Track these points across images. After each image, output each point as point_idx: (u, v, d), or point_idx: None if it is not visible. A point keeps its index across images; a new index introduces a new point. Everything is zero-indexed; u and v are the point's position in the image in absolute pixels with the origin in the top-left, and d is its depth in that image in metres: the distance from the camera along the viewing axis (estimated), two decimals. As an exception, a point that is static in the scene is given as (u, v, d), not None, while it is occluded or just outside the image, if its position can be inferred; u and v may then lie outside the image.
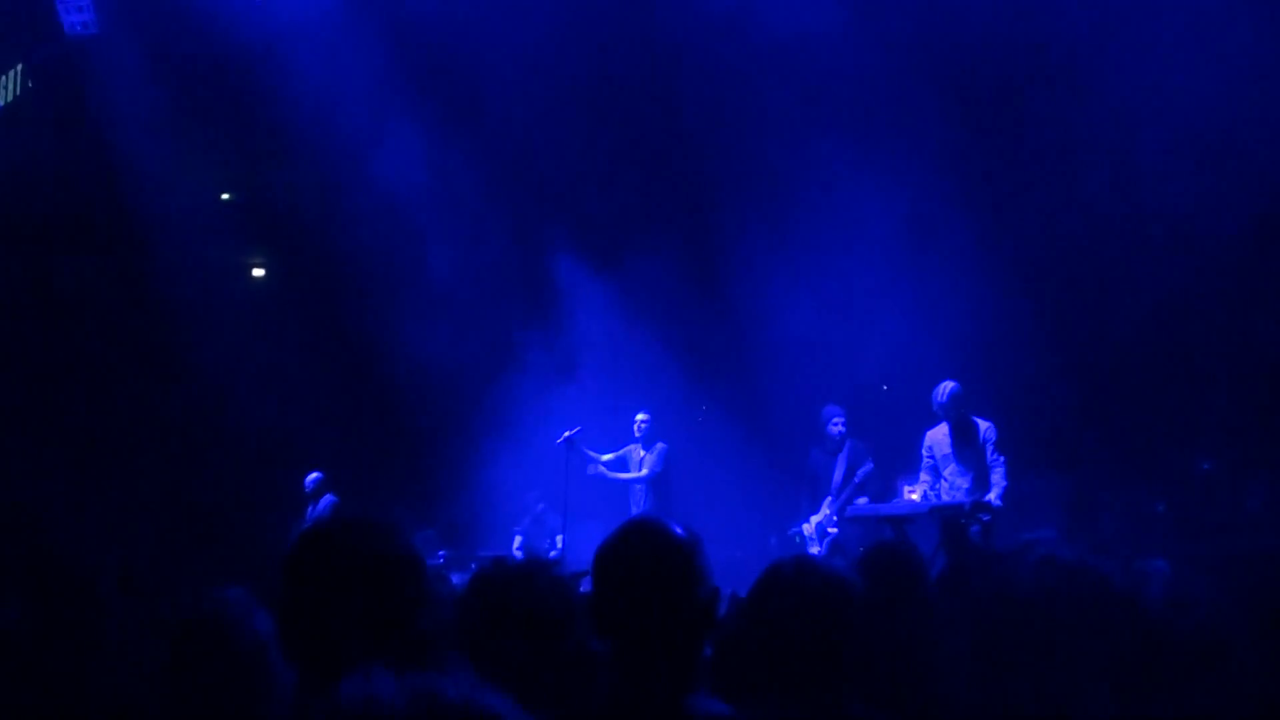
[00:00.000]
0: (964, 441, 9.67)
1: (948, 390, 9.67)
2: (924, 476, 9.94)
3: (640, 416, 11.99)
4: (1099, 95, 11.26)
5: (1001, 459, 9.57)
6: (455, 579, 9.94)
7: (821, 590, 2.90)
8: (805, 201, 12.35)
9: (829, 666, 2.85)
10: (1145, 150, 11.07)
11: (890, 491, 10.72)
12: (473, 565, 11.88)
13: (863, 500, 10.52)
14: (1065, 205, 12.07)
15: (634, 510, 11.48)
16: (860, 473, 10.65)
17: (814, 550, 10.86)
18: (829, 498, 10.88)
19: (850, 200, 12.07)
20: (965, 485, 9.62)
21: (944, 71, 12.18)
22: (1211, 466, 11.65)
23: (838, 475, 10.89)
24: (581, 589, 3.39)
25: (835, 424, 11.04)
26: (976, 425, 9.67)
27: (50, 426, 13.82)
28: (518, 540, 13.01)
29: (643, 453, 11.97)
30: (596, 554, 2.69)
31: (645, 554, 2.60)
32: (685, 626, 2.57)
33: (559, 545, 12.01)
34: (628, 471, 11.90)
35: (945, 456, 9.77)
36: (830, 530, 10.80)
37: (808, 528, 11.02)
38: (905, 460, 10.75)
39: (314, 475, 12.90)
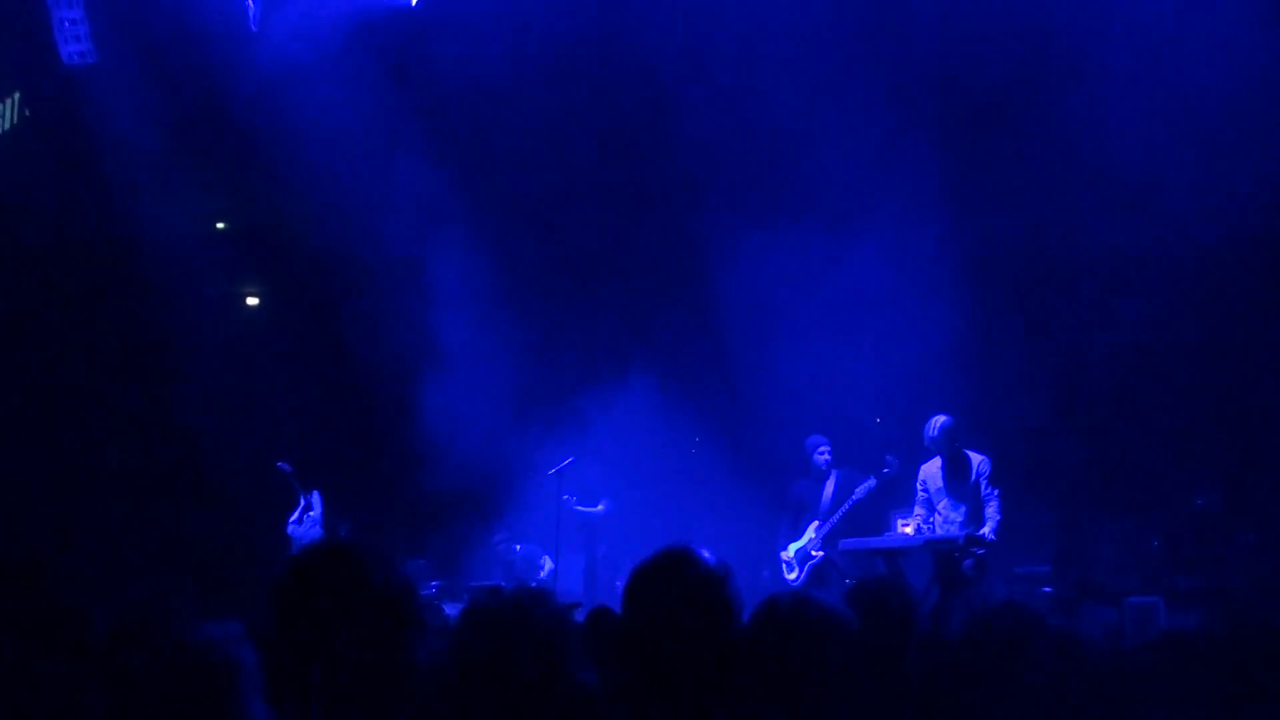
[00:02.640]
0: (957, 475, 9.67)
1: (939, 424, 9.68)
2: (918, 510, 9.93)
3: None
4: (1097, 122, 11.27)
5: (995, 493, 9.55)
6: (448, 609, 9.94)
7: (818, 627, 2.90)
8: (800, 236, 12.35)
9: (824, 703, 2.85)
10: (1142, 182, 11.09)
11: (884, 524, 10.70)
12: (465, 596, 11.85)
13: (906, 524, 10.42)
14: (1062, 240, 12.08)
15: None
16: (862, 488, 10.61)
17: (790, 576, 10.86)
18: (816, 522, 10.86)
19: (845, 231, 12.09)
20: (959, 519, 9.61)
21: (937, 93, 12.22)
22: (1206, 501, 11.64)
23: (826, 500, 10.89)
24: (576, 620, 3.39)
25: (821, 453, 11.06)
26: (970, 459, 9.66)
27: (43, 455, 13.79)
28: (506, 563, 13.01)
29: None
30: (629, 581, 2.67)
31: (686, 583, 2.59)
32: (719, 655, 2.55)
33: (546, 568, 12.07)
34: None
35: (939, 490, 9.77)
36: (814, 554, 10.78)
37: (786, 554, 11.01)
38: (899, 493, 10.74)
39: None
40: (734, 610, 2.61)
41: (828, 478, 10.99)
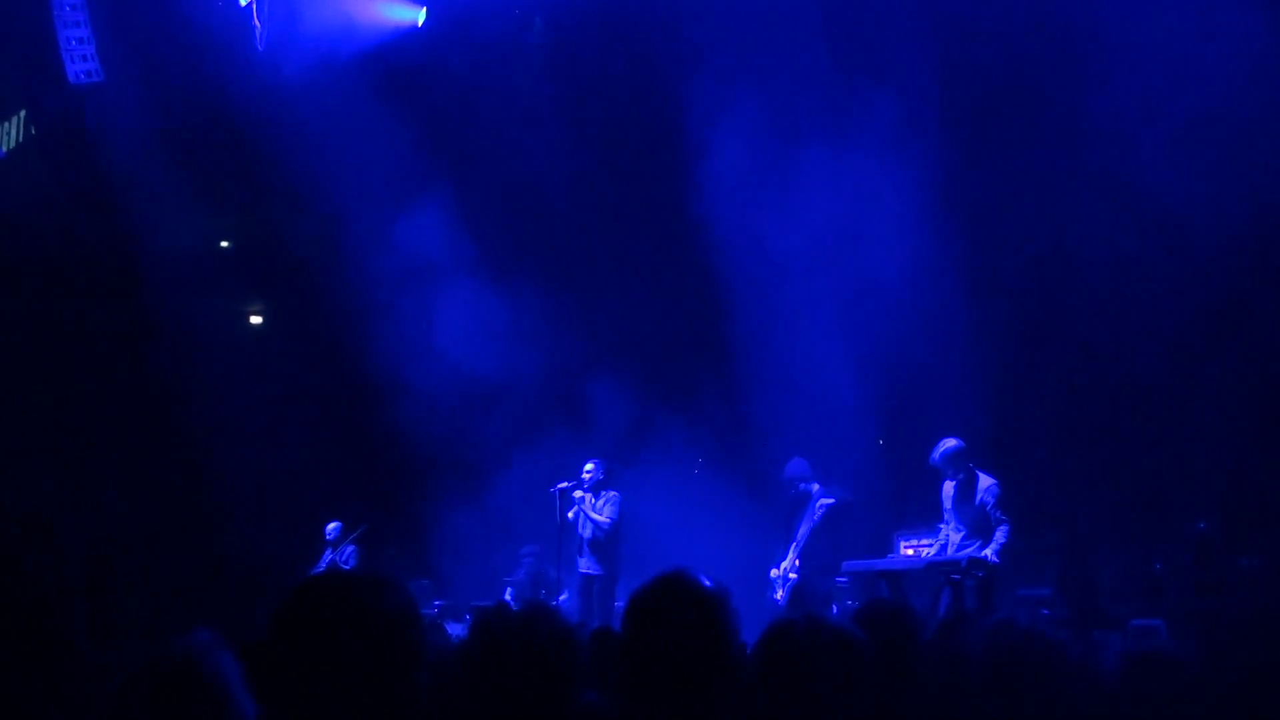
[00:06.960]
0: (964, 497, 9.67)
1: (945, 449, 9.65)
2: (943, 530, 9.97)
3: (588, 466, 11.90)
4: (1102, 158, 11.29)
5: (1001, 516, 9.54)
6: (450, 628, 9.91)
7: (831, 650, 2.89)
8: (803, 258, 12.38)
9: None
10: (1143, 206, 11.11)
11: (887, 546, 10.69)
12: (467, 616, 11.82)
13: (909, 545, 10.30)
14: (1069, 263, 12.08)
15: (578, 555, 11.51)
16: (819, 507, 10.57)
17: (776, 596, 10.86)
18: (794, 544, 10.87)
19: (848, 252, 12.11)
20: (958, 541, 9.62)
21: (940, 99, 12.23)
22: (1207, 526, 11.61)
23: (802, 525, 10.87)
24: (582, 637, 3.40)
25: (797, 486, 11.03)
26: (978, 481, 9.65)
27: (46, 471, 13.79)
28: (508, 592, 12.94)
29: (592, 499, 11.83)
30: (628, 605, 2.69)
31: (681, 606, 2.60)
32: (717, 678, 2.57)
33: (562, 598, 11.96)
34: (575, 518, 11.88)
35: (947, 511, 9.79)
36: (790, 575, 10.78)
37: (775, 572, 11.01)
38: (900, 515, 10.71)
39: (334, 524, 12.99)
40: (731, 633, 2.63)
41: (809, 501, 10.96)
